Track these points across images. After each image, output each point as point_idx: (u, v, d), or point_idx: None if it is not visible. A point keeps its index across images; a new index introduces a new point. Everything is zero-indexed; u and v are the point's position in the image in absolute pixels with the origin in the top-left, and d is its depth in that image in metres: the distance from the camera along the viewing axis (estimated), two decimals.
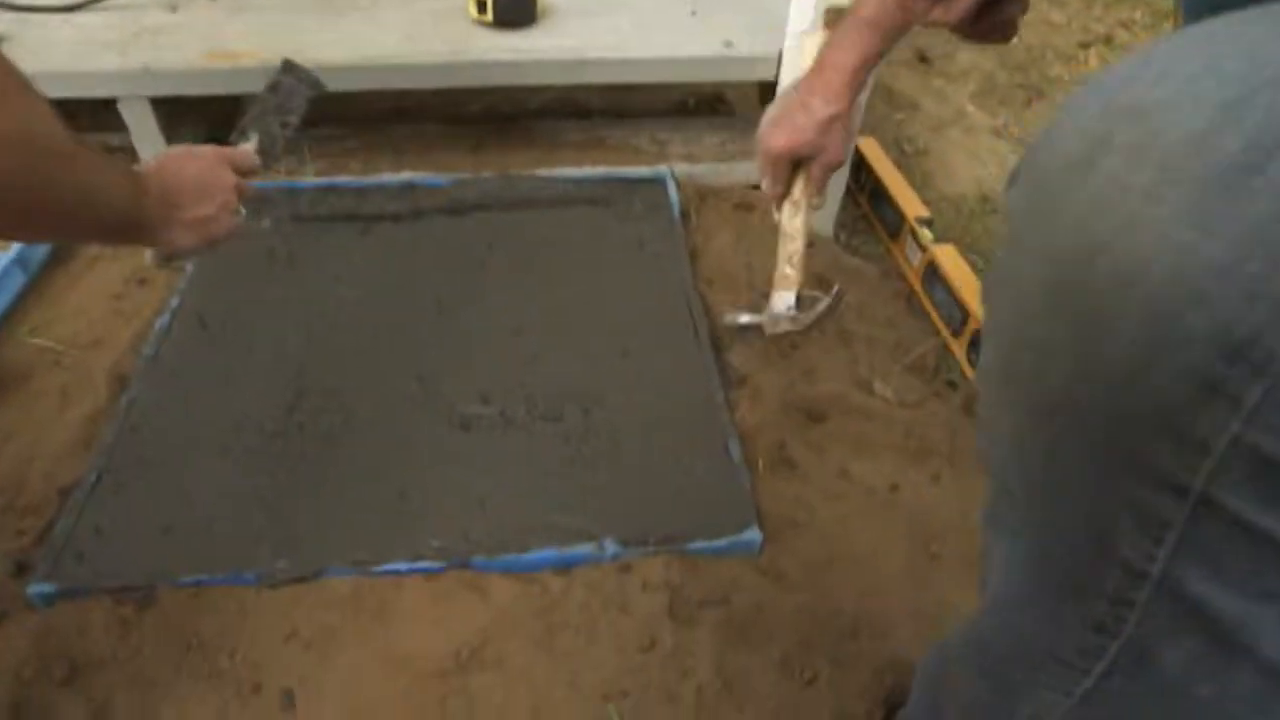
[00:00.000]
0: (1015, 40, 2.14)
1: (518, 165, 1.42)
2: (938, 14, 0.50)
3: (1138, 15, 2.30)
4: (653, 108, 1.71)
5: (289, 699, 0.79)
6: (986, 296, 0.44)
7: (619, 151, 1.48)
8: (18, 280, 1.22)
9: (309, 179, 1.38)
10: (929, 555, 0.96)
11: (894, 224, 1.47)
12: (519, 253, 1.25)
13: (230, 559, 0.86)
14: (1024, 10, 0.57)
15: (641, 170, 1.42)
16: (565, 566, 0.88)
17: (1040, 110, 1.92)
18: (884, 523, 0.98)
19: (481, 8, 1.35)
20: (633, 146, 1.50)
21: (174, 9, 1.40)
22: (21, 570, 0.88)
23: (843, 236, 1.50)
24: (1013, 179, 0.41)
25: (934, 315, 1.32)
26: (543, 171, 1.39)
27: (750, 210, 1.43)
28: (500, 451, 0.97)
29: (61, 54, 1.27)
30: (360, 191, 1.34)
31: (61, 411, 1.06)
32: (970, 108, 1.89)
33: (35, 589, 0.84)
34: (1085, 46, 2.16)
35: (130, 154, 1.36)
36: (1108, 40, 2.19)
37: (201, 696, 0.79)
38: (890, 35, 0.82)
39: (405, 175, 1.38)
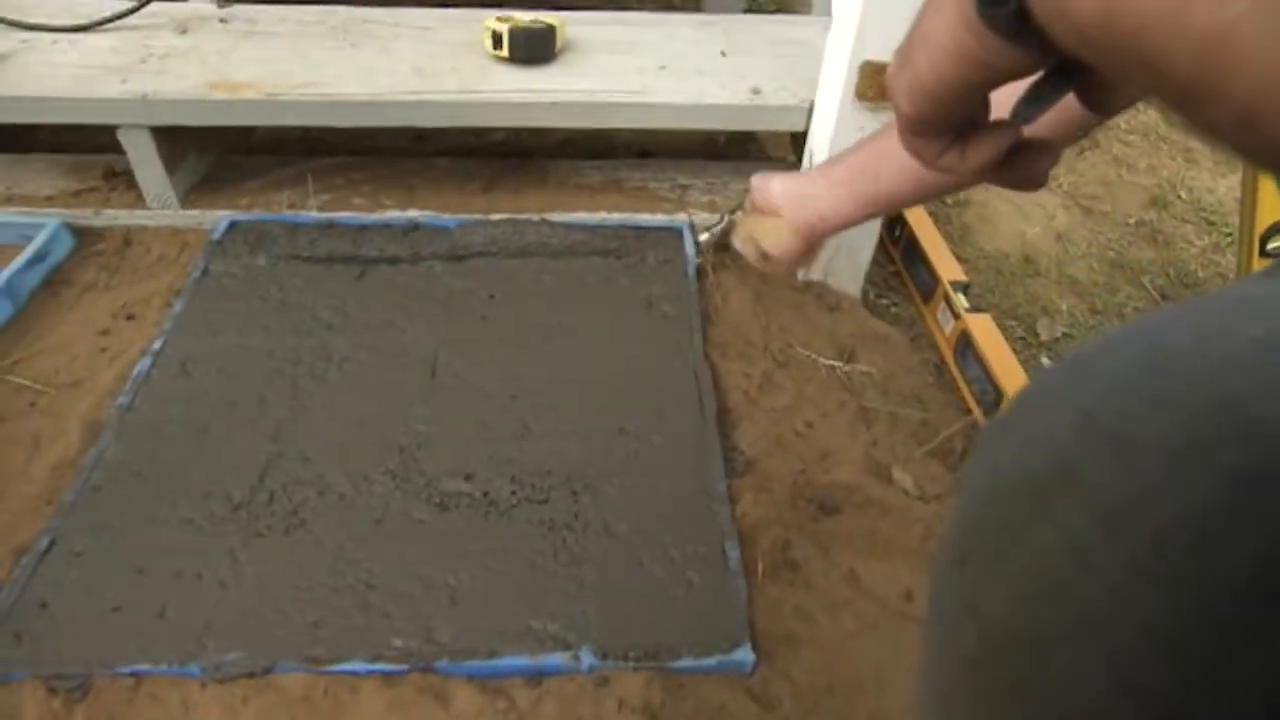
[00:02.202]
0: None
1: (530, 206, 1.35)
2: (949, 160, 0.42)
3: None
4: (682, 146, 1.63)
5: None
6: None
7: (637, 196, 1.41)
8: (4, 312, 1.18)
9: (312, 213, 1.33)
10: None
11: (928, 286, 1.38)
12: (521, 306, 1.18)
13: (177, 648, 0.80)
14: (1054, 163, 0.49)
15: (657, 219, 1.34)
16: (537, 676, 0.81)
17: (1094, 161, 1.80)
18: (895, 640, 0.88)
19: (498, 43, 1.28)
20: (651, 191, 1.42)
21: (184, 31, 1.36)
22: None
23: (871, 295, 1.41)
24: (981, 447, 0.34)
25: (965, 391, 1.22)
26: (554, 216, 1.32)
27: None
28: (478, 538, 0.90)
29: (63, 78, 1.23)
30: (361, 230, 1.28)
31: (30, 461, 1.00)
32: None
33: None
34: None
35: (130, 179, 1.32)
36: None
37: None
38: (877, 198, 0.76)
39: (411, 214, 1.32)
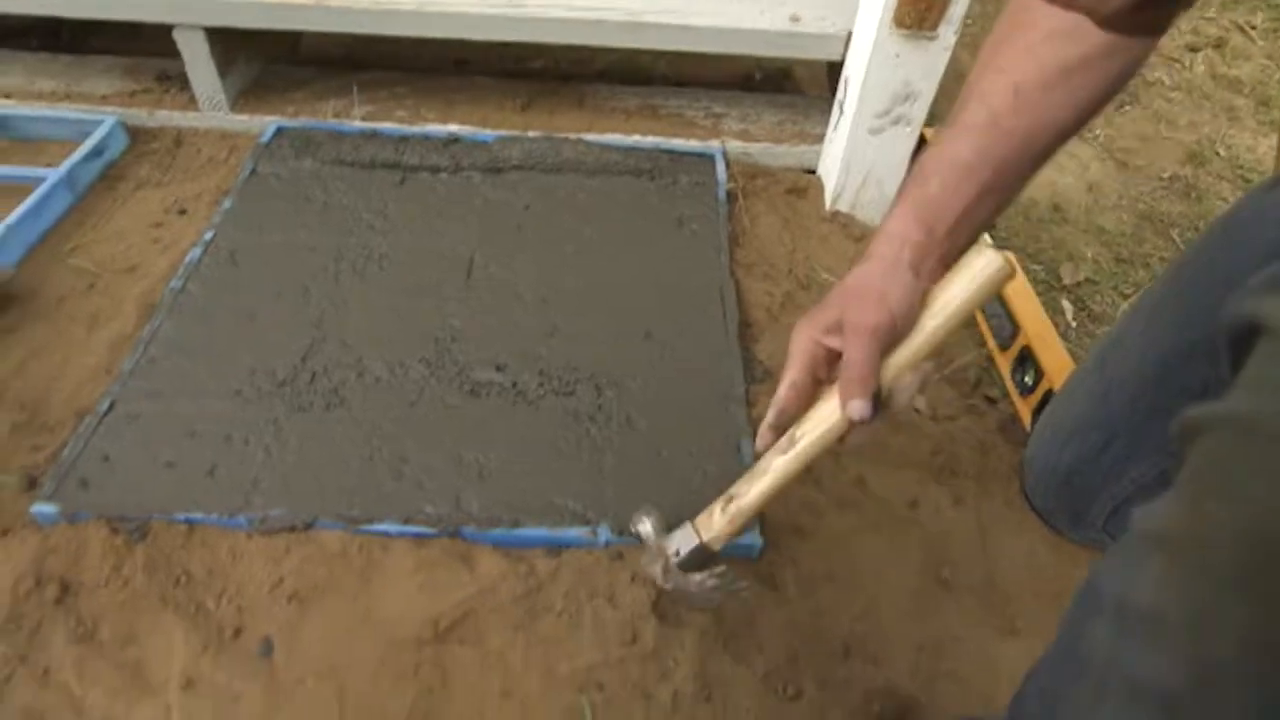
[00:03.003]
0: None
1: (566, 127, 1.38)
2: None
3: (1258, 19, 2.13)
4: (717, 79, 1.64)
5: (267, 648, 0.79)
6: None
7: (671, 122, 1.43)
8: (65, 201, 1.24)
9: (355, 123, 1.37)
10: (939, 581, 0.91)
11: None
12: (555, 218, 1.22)
13: (226, 501, 0.87)
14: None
15: (691, 144, 1.36)
16: (556, 548, 0.86)
17: (1133, 116, 1.79)
18: (895, 541, 0.93)
19: None
20: (686, 118, 1.44)
21: None
22: (33, 485, 0.90)
23: None
24: None
25: (982, 326, 1.24)
26: (589, 136, 1.35)
27: (802, 195, 1.37)
28: (507, 423, 0.95)
29: None
30: (402, 140, 1.32)
31: (89, 335, 1.07)
32: None
33: (38, 508, 0.85)
34: (1193, 50, 2.00)
35: (183, 82, 1.37)
36: (1219, 45, 2.03)
37: (184, 634, 0.80)
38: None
39: (451, 127, 1.36)
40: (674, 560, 0.74)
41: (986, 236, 1.28)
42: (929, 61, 1.14)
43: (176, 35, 1.28)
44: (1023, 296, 1.20)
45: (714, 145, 1.37)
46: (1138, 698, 0.41)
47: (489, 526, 0.86)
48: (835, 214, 1.34)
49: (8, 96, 1.37)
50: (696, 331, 1.07)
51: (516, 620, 0.81)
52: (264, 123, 1.37)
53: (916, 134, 1.24)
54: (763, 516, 0.89)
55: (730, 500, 0.71)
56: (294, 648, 0.80)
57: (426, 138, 1.32)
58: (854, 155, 1.26)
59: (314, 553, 0.85)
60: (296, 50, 1.61)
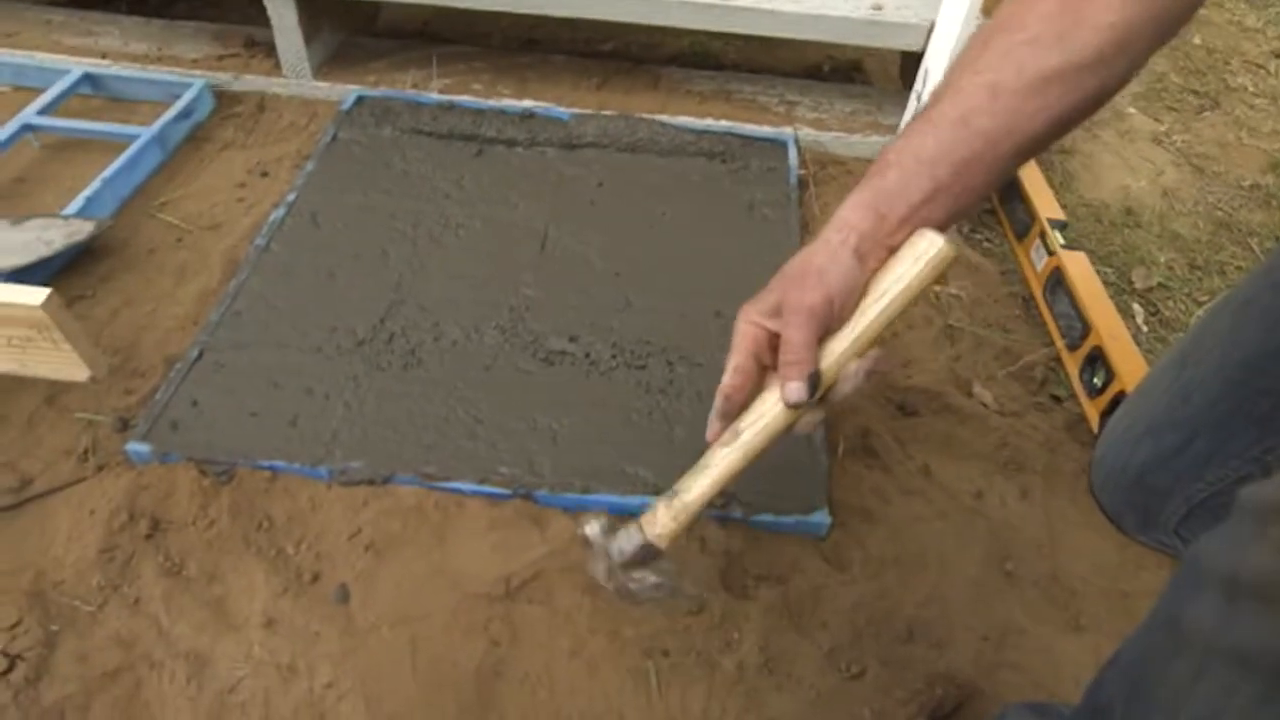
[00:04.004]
0: (1196, 40, 1.96)
1: (640, 108, 1.39)
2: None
3: None
4: (787, 67, 1.64)
5: (343, 594, 0.82)
6: None
7: (745, 108, 1.43)
8: (155, 158, 1.28)
9: (433, 94, 1.39)
10: (1003, 573, 0.90)
11: (1023, 224, 1.38)
12: (628, 196, 1.23)
13: (308, 451, 0.89)
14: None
15: (764, 129, 1.36)
16: (626, 514, 0.87)
17: (1212, 122, 1.75)
18: (960, 530, 0.93)
19: None
20: (760, 104, 1.44)
21: None
22: (125, 426, 0.94)
23: (965, 228, 1.42)
24: None
25: (1051, 325, 1.23)
26: (664, 118, 1.35)
27: None
28: (579, 391, 0.97)
29: None
30: (479, 113, 1.34)
31: (177, 287, 1.11)
32: (1131, 109, 1.74)
33: (132, 447, 0.89)
34: (1279, 57, 1.95)
35: (268, 49, 1.40)
36: None
37: (265, 576, 0.83)
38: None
39: (527, 103, 1.37)
40: (618, 559, 0.70)
41: None
42: None
43: (267, 2, 1.31)
44: (1095, 297, 1.19)
45: (786, 131, 1.37)
46: (1249, 667, 0.41)
47: (561, 491, 0.87)
48: None
49: (104, 57, 1.42)
50: None
51: (585, 583, 0.83)
52: (344, 91, 1.40)
53: None
54: (830, 499, 0.90)
55: (675, 496, 0.69)
56: (369, 596, 0.82)
57: (503, 112, 1.34)
58: None
59: (391, 506, 0.88)
60: (375, 23, 1.64)
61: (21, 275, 1.03)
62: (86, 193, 1.15)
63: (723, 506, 0.87)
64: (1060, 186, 1.56)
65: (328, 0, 1.32)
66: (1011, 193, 1.43)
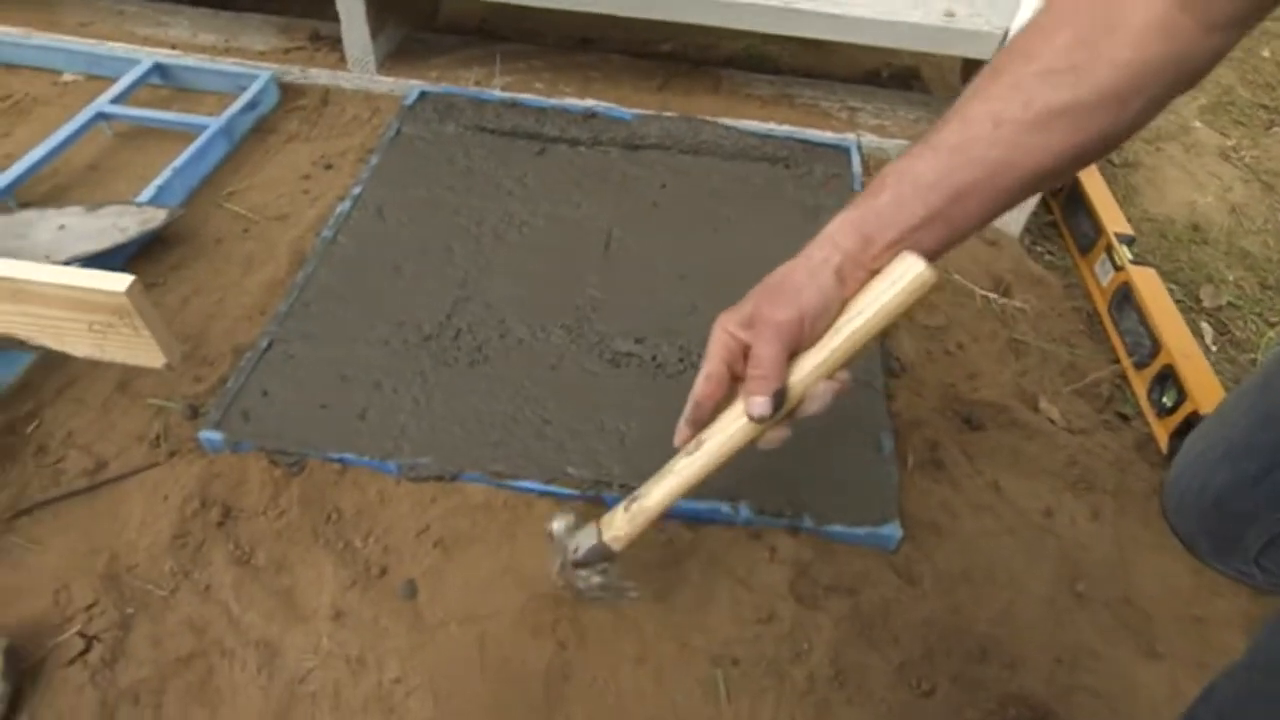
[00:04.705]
0: (1264, 53, 1.91)
1: (701, 110, 1.38)
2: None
3: None
4: (844, 72, 1.63)
5: (411, 589, 0.82)
6: None
7: (807, 112, 1.42)
8: (222, 149, 1.29)
9: (496, 91, 1.39)
10: (1074, 594, 0.89)
11: (1088, 237, 1.36)
12: (692, 198, 1.23)
13: (377, 445, 0.90)
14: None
15: (827, 135, 1.35)
16: (695, 520, 0.87)
17: None
18: (1031, 548, 0.91)
19: None
20: (821, 110, 1.43)
21: None
22: (194, 414, 0.95)
23: (1026, 241, 1.40)
24: None
25: (1116, 341, 1.21)
26: (726, 121, 1.35)
27: None
28: (646, 393, 0.96)
29: None
30: (542, 111, 1.34)
31: (244, 276, 1.12)
32: (1197, 123, 1.71)
33: (205, 435, 0.89)
34: None
35: (337, 42, 1.41)
36: None
37: (334, 568, 0.83)
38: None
39: (589, 103, 1.37)
40: (573, 557, 0.72)
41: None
42: None
43: None
44: (1166, 315, 1.16)
45: (849, 138, 1.35)
46: None
47: (630, 492, 0.86)
48: None
49: (173, 48, 1.44)
50: None
51: (654, 588, 0.83)
52: (407, 86, 1.41)
53: None
54: (900, 512, 0.89)
55: (634, 501, 0.70)
56: (437, 592, 0.82)
57: (565, 111, 1.34)
58: None
59: (459, 503, 0.88)
60: (435, 19, 1.65)
61: (96, 262, 1.04)
62: (158, 181, 1.16)
63: (793, 516, 0.86)
64: (1123, 200, 1.53)
65: None
66: (1075, 205, 1.41)
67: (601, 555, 0.72)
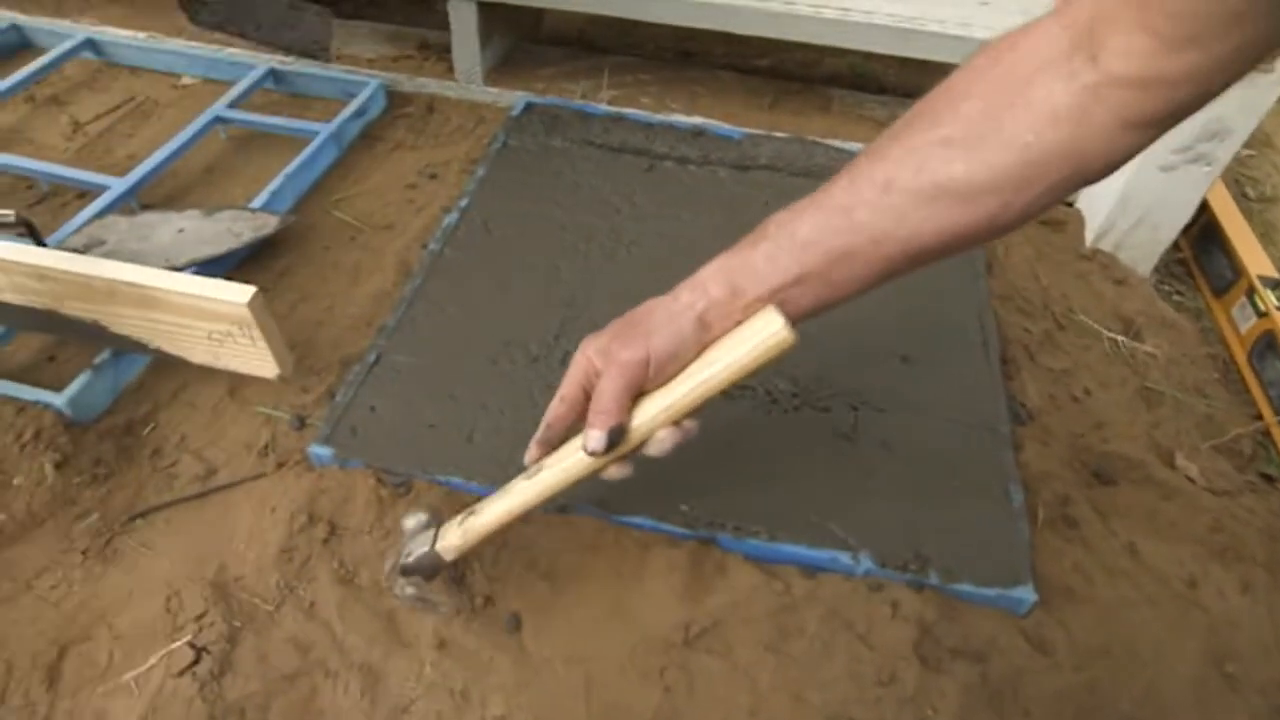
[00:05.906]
0: None
1: (813, 130, 1.34)
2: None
3: None
4: None
5: (515, 623, 0.80)
6: None
7: None
8: (331, 155, 1.30)
9: (602, 105, 1.37)
10: (1223, 675, 0.81)
11: (1223, 278, 1.27)
12: None
13: (484, 469, 0.88)
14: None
15: None
16: (813, 569, 0.83)
17: None
18: (1174, 621, 0.84)
19: None
20: None
21: None
22: (301, 424, 0.95)
23: (1154, 279, 1.31)
24: None
25: (1258, 394, 1.12)
26: (836, 143, 1.30)
27: (1059, 228, 1.28)
28: (761, 430, 0.92)
29: None
30: (650, 127, 1.31)
31: (352, 285, 1.12)
32: None
33: (315, 449, 0.89)
34: None
35: (444, 51, 1.41)
36: None
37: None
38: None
39: (697, 120, 1.34)
40: (405, 560, 0.72)
41: None
42: (1254, 96, 1.03)
43: (450, 7, 1.32)
44: None
45: None
46: None
47: (745, 536, 0.83)
48: (1096, 252, 1.24)
49: (287, 53, 1.46)
50: (953, 359, 1.01)
51: (768, 638, 0.78)
52: (512, 97, 1.40)
53: (1215, 176, 1.13)
54: (1035, 571, 0.83)
55: (471, 515, 0.70)
56: (543, 627, 0.80)
57: (673, 127, 1.31)
58: (1135, 191, 1.16)
59: (569, 536, 0.85)
60: (539, 29, 1.64)
61: (209, 266, 1.05)
62: (272, 186, 1.17)
63: (918, 570, 0.81)
64: (1260, 238, 1.43)
65: (502, 5, 1.32)
66: (1210, 243, 1.32)
67: (433, 562, 0.71)
